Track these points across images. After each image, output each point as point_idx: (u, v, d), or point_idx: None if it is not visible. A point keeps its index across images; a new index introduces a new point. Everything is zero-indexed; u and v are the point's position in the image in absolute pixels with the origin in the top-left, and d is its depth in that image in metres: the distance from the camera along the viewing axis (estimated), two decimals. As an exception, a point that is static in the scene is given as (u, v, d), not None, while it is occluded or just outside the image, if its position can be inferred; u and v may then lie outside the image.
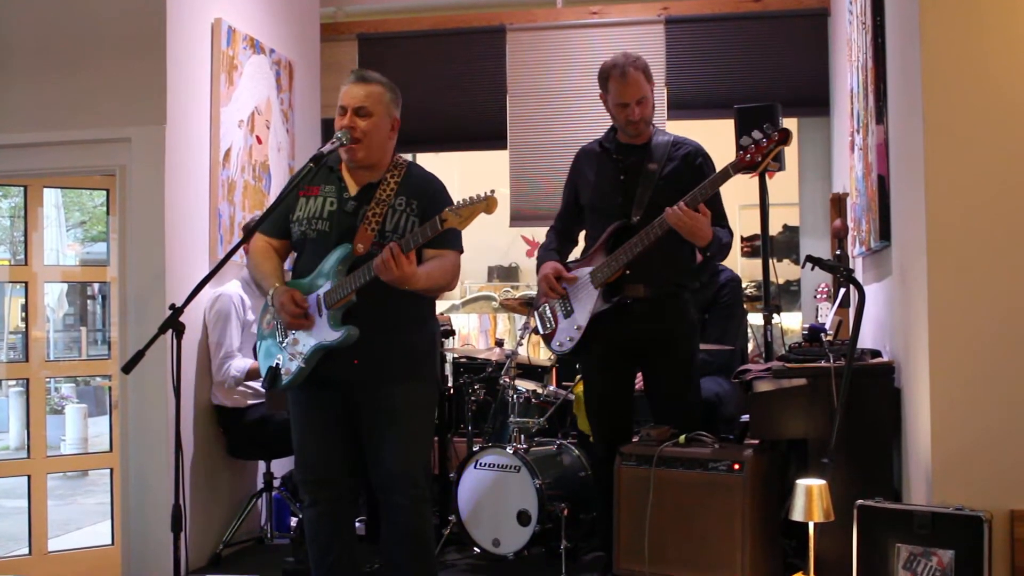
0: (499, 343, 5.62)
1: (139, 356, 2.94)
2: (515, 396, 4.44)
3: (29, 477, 4.75)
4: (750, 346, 4.99)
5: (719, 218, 3.57)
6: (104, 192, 5.01)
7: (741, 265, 7.04)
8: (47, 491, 4.85)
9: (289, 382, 3.10)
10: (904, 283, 3.14)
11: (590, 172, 3.77)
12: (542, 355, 7.60)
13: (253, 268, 3.27)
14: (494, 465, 4.19)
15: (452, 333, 5.29)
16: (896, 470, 3.29)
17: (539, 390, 4.52)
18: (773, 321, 4.33)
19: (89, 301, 13.39)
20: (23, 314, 5.15)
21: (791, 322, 6.38)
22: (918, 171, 2.77)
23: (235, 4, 4.86)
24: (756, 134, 3.29)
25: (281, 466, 4.85)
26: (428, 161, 6.74)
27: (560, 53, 6.14)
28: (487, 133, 6.26)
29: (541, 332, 3.83)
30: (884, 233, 3.45)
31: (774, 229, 6.61)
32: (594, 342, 3.65)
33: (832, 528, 2.84)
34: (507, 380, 4.49)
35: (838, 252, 4.42)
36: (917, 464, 2.91)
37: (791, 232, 6.82)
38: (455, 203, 2.84)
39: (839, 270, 3.26)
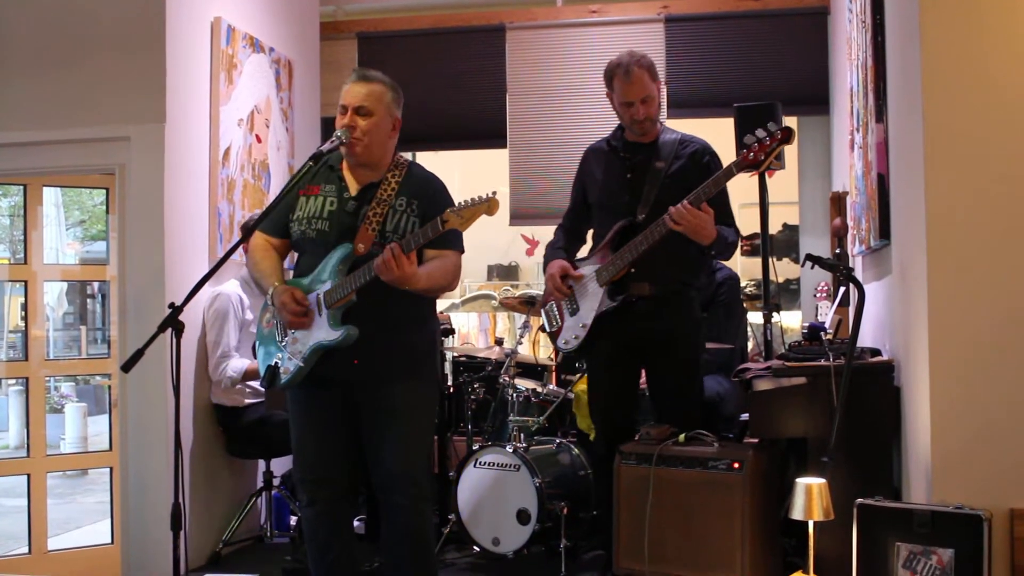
0: (499, 342, 5.62)
1: (138, 355, 2.94)
2: (515, 395, 4.45)
3: (29, 476, 4.75)
4: (750, 345, 4.99)
5: (725, 216, 3.56)
6: (104, 191, 5.02)
7: (741, 264, 7.03)
8: (47, 490, 4.86)
9: (288, 381, 3.10)
10: (904, 282, 3.14)
11: (597, 170, 3.77)
12: (542, 354, 7.61)
13: (253, 267, 3.27)
14: (494, 464, 4.19)
15: (452, 332, 5.29)
16: (896, 469, 3.29)
17: (539, 389, 4.52)
18: (773, 320, 4.34)
19: (89, 300, 13.40)
20: (23, 313, 5.16)
21: (791, 321, 6.37)
22: (918, 170, 2.77)
23: (235, 3, 4.86)
24: (759, 132, 3.28)
25: (281, 465, 4.85)
26: (428, 160, 6.73)
27: (560, 52, 6.14)
28: (487, 132, 6.26)
29: (547, 330, 3.84)
30: (884, 232, 3.45)
31: (774, 228, 6.61)
32: (599, 340, 3.65)
33: (832, 527, 2.84)
34: (507, 379, 4.49)
35: (838, 251, 4.42)
36: (917, 463, 2.91)
37: (791, 231, 6.82)
38: (456, 204, 2.83)
39: (839, 269, 3.25)
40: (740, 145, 3.41)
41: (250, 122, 4.93)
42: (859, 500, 2.77)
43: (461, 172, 7.75)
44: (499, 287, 8.79)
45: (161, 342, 3.04)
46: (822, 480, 2.73)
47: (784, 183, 5.96)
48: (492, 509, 4.16)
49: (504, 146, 6.19)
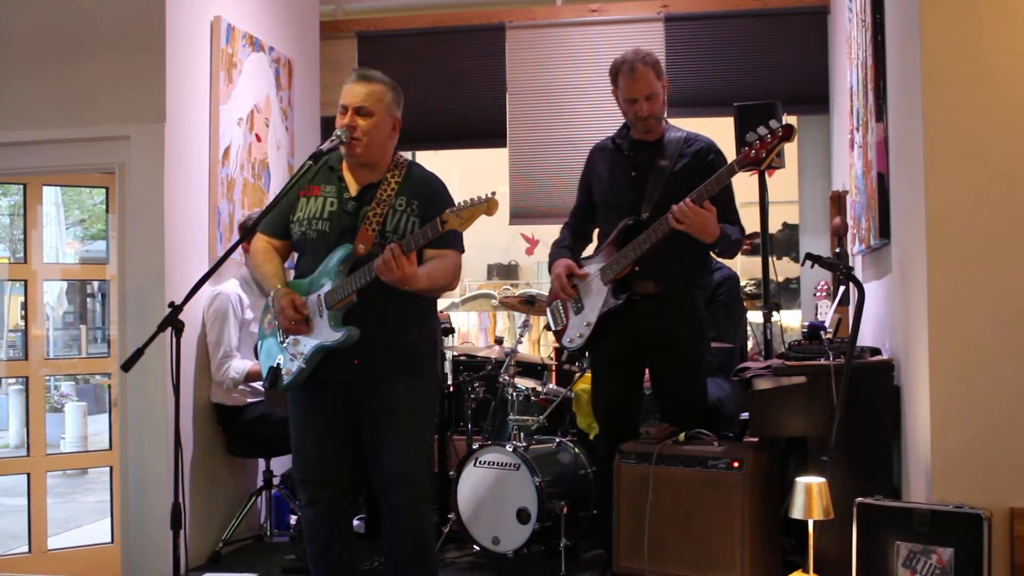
0: (499, 341, 5.63)
1: (138, 354, 2.94)
2: (514, 394, 4.45)
3: (29, 475, 4.75)
4: (749, 344, 4.99)
5: (729, 214, 3.56)
6: (103, 190, 5.02)
7: (741, 263, 7.03)
8: (47, 489, 4.86)
9: (290, 382, 3.09)
10: (904, 281, 3.14)
11: (603, 168, 3.77)
12: (542, 353, 7.61)
13: (255, 269, 3.27)
14: (494, 463, 4.19)
15: (451, 331, 5.29)
16: (896, 468, 3.29)
17: (538, 388, 4.52)
18: (772, 319, 4.34)
19: (89, 299, 13.41)
20: (23, 312, 5.16)
21: (790, 320, 6.38)
22: (918, 169, 2.77)
23: (234, 2, 4.86)
24: (761, 130, 3.28)
25: (281, 464, 4.85)
26: (428, 159, 6.73)
27: (559, 51, 6.14)
28: (487, 131, 6.26)
29: (553, 328, 3.84)
30: (884, 231, 3.45)
31: (774, 227, 6.62)
32: (603, 338, 3.65)
33: (832, 526, 2.84)
34: (506, 378, 4.49)
35: (837, 250, 4.41)
36: (917, 462, 2.91)
37: (791, 230, 6.83)
38: (456, 204, 2.83)
39: (839, 268, 3.26)
40: (742, 143, 3.40)
41: (250, 121, 4.93)
42: (859, 499, 2.77)
43: (461, 171, 7.76)
44: (499, 286, 8.80)
45: (161, 341, 3.04)
46: (822, 479, 2.73)
47: (784, 182, 5.96)
48: (492, 508, 4.16)
49: (504, 145, 6.19)
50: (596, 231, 3.88)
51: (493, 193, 2.81)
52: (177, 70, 4.31)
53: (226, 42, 4.66)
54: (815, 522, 2.74)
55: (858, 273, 4.05)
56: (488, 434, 4.68)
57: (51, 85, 4.28)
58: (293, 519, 4.83)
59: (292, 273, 3.25)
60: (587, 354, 4.25)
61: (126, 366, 2.99)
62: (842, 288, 4.21)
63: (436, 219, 2.83)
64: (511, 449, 4.16)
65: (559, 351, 5.27)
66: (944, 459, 2.69)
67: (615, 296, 3.59)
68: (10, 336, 9.60)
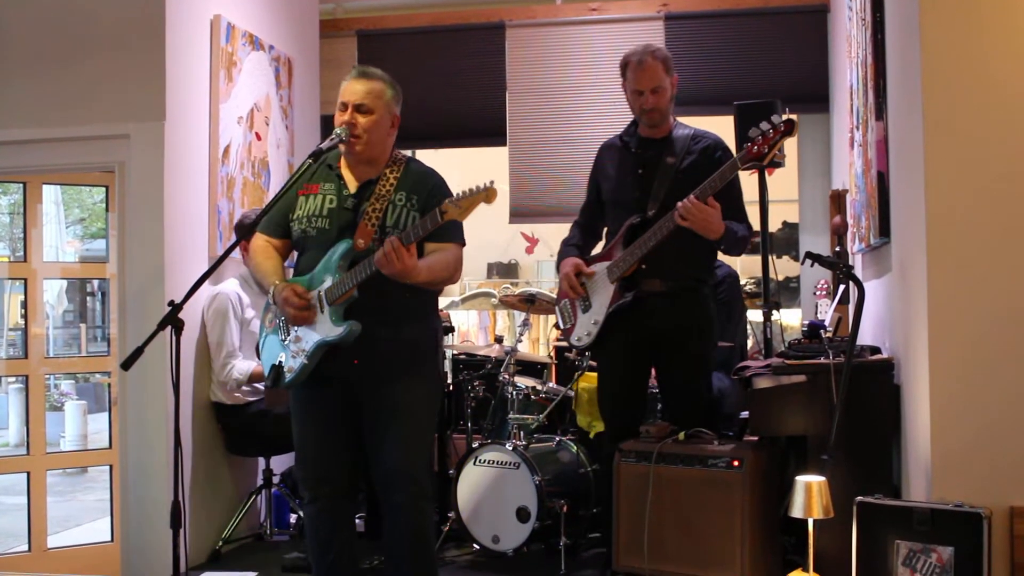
0: (498, 340, 5.62)
1: (138, 353, 2.94)
2: (514, 393, 4.45)
3: (29, 474, 4.75)
4: (749, 342, 4.99)
5: (736, 212, 3.55)
6: (103, 189, 5.02)
7: (741, 261, 7.03)
8: (47, 488, 4.86)
9: (293, 379, 3.09)
10: (904, 279, 3.14)
11: (610, 166, 3.77)
12: (541, 352, 7.61)
13: (255, 268, 3.27)
14: (493, 462, 4.19)
15: (451, 330, 5.29)
16: (895, 467, 3.29)
17: (538, 387, 4.52)
18: (772, 318, 4.33)
19: (88, 298, 13.42)
20: (22, 311, 5.16)
21: (790, 319, 6.38)
22: (918, 167, 2.77)
23: (234, 0, 4.86)
24: (763, 125, 3.27)
25: (280, 463, 4.85)
26: (428, 158, 6.67)
27: (559, 49, 6.14)
28: (486, 130, 6.26)
29: (561, 327, 3.84)
30: (884, 229, 3.45)
31: (773, 226, 6.62)
32: (610, 337, 3.65)
33: (832, 525, 2.84)
34: (506, 377, 4.49)
35: (837, 249, 4.42)
36: (916, 461, 2.91)
37: (791, 229, 6.83)
38: (455, 195, 2.84)
39: (839, 266, 3.26)
40: (744, 139, 3.40)
41: (250, 120, 4.93)
42: (859, 498, 2.78)
43: (461, 170, 7.74)
44: (499, 285, 8.81)
45: (161, 340, 3.04)
46: (822, 478, 2.73)
47: (784, 181, 5.96)
48: (492, 507, 4.16)
49: (504, 144, 6.19)
50: (605, 229, 3.87)
51: (492, 182, 2.81)
52: (177, 68, 4.31)
53: (226, 40, 4.66)
54: (815, 521, 2.74)
55: (858, 272, 4.05)
56: (488, 433, 4.68)
57: (51, 83, 4.28)
58: (293, 518, 4.83)
59: (291, 272, 3.24)
60: (587, 353, 4.25)
61: (126, 365, 2.99)
62: (842, 287, 4.21)
63: (436, 209, 2.83)
64: (511, 448, 4.16)
65: (559, 350, 5.28)
66: (944, 458, 2.70)
67: (621, 294, 3.59)
68: (10, 335, 9.60)
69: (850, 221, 4.35)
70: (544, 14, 6.21)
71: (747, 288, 6.51)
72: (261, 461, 4.75)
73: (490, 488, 4.17)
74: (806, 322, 3.81)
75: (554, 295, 4.78)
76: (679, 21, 5.95)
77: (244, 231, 4.11)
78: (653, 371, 3.80)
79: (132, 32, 4.23)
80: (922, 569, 2.63)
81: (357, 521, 4.02)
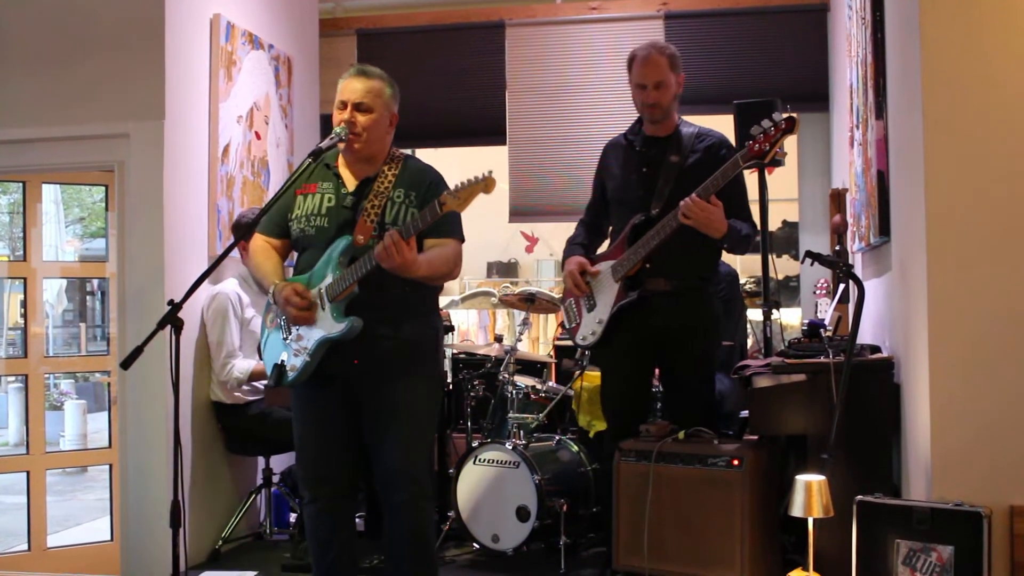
0: (498, 339, 5.62)
1: (138, 352, 2.93)
2: (514, 392, 4.44)
3: (28, 473, 4.76)
4: (749, 342, 4.99)
5: (740, 210, 3.54)
6: (103, 188, 5.02)
7: (740, 260, 7.03)
8: (46, 487, 4.86)
9: (295, 378, 3.08)
10: (903, 279, 3.14)
11: (615, 165, 3.77)
12: (541, 351, 7.61)
13: (255, 269, 3.27)
14: (493, 461, 4.19)
15: (451, 329, 5.28)
16: (895, 466, 3.29)
17: (538, 386, 4.52)
18: (772, 317, 4.33)
19: (88, 297, 13.41)
20: (22, 310, 5.16)
21: (790, 318, 6.37)
22: (918, 166, 2.77)
23: (234, -1, 4.86)
24: (765, 123, 3.26)
25: (280, 462, 4.85)
26: (427, 157, 6.68)
27: (559, 48, 6.14)
28: (486, 129, 6.26)
29: (567, 326, 3.84)
30: (883, 229, 3.45)
31: (773, 225, 6.62)
32: (615, 336, 3.64)
33: (832, 524, 2.84)
34: (506, 376, 4.49)
35: (837, 248, 4.41)
36: (916, 460, 2.91)
37: (790, 228, 6.83)
38: (453, 186, 2.84)
39: (838, 266, 3.26)
40: (744, 138, 3.39)
41: (249, 119, 4.93)
42: (859, 497, 2.77)
43: (460, 169, 7.66)
44: (498, 284, 8.80)
45: (160, 339, 3.03)
46: (822, 477, 2.73)
47: (784, 180, 5.95)
48: (492, 506, 4.16)
49: (504, 143, 6.19)
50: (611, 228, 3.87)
51: (490, 171, 2.82)
52: (176, 67, 4.31)
53: (225, 39, 4.66)
54: (815, 520, 2.74)
55: (858, 271, 4.05)
56: (488, 432, 4.68)
57: (51, 83, 4.28)
58: (292, 517, 4.83)
59: (291, 271, 3.24)
60: (586, 352, 4.25)
61: (125, 364, 2.98)
62: (842, 286, 4.21)
63: (435, 201, 2.84)
64: (511, 447, 4.16)
65: (558, 348, 5.28)
66: (944, 457, 2.70)
67: (626, 294, 3.58)
68: (10, 334, 9.60)
69: (850, 220, 4.35)
70: (544, 13, 6.21)
71: (747, 287, 6.51)
72: (261, 460, 4.75)
73: (490, 487, 4.17)
74: (806, 321, 3.80)
75: (554, 294, 4.78)
76: (679, 20, 5.95)
77: (242, 231, 4.11)
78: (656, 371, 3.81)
79: (132, 31, 4.23)
80: (922, 568, 2.63)
81: (357, 521, 4.03)
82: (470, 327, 8.64)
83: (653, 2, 5.99)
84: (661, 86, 3.57)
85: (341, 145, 3.07)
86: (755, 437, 3.52)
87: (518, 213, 6.24)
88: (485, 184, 2.80)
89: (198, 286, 3.08)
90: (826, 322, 3.76)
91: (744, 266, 6.96)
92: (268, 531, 4.75)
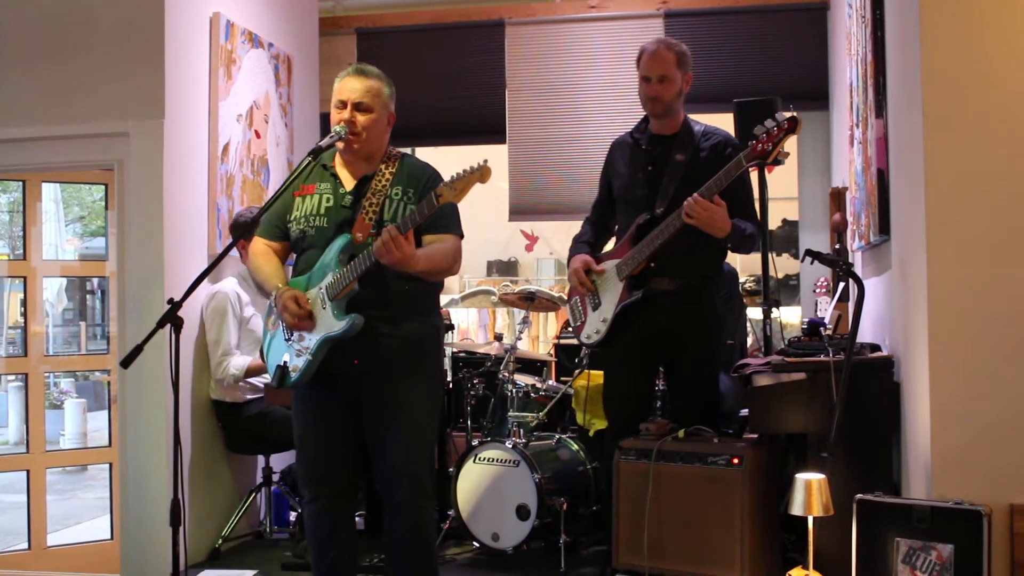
0: (498, 337, 5.62)
1: (137, 351, 2.93)
2: (514, 390, 4.44)
3: (28, 472, 4.76)
4: (749, 340, 4.99)
5: (745, 209, 3.53)
6: (103, 186, 5.02)
7: (740, 259, 7.03)
8: (46, 486, 4.86)
9: (298, 378, 3.07)
10: (903, 277, 3.14)
11: (621, 163, 3.76)
12: (541, 349, 7.61)
13: (255, 272, 3.27)
14: (493, 460, 4.19)
15: (451, 327, 5.29)
16: (895, 464, 3.29)
17: (538, 384, 4.52)
18: (772, 315, 4.33)
19: (88, 296, 13.42)
20: (22, 309, 5.16)
21: (790, 316, 6.38)
22: (918, 165, 2.77)
23: (233, -2, 4.86)
24: (768, 123, 3.25)
25: (280, 460, 4.85)
26: (427, 155, 6.69)
27: (559, 47, 6.13)
28: (486, 127, 6.25)
29: (572, 324, 3.83)
30: (883, 227, 3.45)
31: (773, 223, 6.61)
32: (619, 335, 3.64)
33: (831, 522, 2.84)
34: (506, 375, 4.49)
35: (837, 246, 4.41)
36: (916, 458, 2.91)
37: (790, 226, 6.83)
38: (449, 178, 2.84)
39: (838, 264, 3.25)
40: (745, 137, 3.39)
41: (249, 118, 4.93)
42: (859, 496, 2.77)
43: (460, 168, 7.74)
44: (498, 283, 8.80)
45: (160, 338, 3.03)
46: (822, 476, 2.73)
47: (784, 179, 5.95)
48: (492, 505, 4.16)
49: (503, 142, 6.18)
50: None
51: (485, 160, 2.81)
52: (176, 66, 4.31)
53: (225, 38, 4.66)
54: (815, 518, 2.74)
55: (858, 269, 4.05)
56: (488, 431, 4.68)
57: (50, 81, 4.28)
58: (292, 516, 4.83)
59: (290, 271, 3.24)
60: (585, 351, 4.25)
61: (125, 363, 2.98)
62: (842, 284, 4.21)
63: (431, 194, 2.83)
64: (511, 446, 4.16)
65: (558, 348, 5.28)
66: (944, 455, 2.70)
67: (630, 292, 3.58)
68: (10, 333, 9.60)
69: (850, 219, 4.35)
70: (544, 11, 6.20)
71: (747, 286, 6.51)
72: (261, 459, 4.75)
73: (490, 486, 4.17)
74: (806, 320, 3.80)
75: (554, 293, 4.77)
76: (679, 19, 5.95)
77: (240, 230, 4.11)
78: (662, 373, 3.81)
79: (131, 30, 4.23)
80: (922, 567, 2.63)
81: (357, 519, 4.03)
82: (470, 326, 8.65)
83: (653, 0, 5.99)
84: (664, 80, 3.57)
85: (340, 144, 3.07)
86: (755, 436, 3.52)
87: (518, 212, 6.23)
88: (481, 173, 2.79)
89: (198, 285, 3.07)
90: (826, 320, 3.76)
91: (744, 264, 6.97)
92: (268, 530, 4.75)
